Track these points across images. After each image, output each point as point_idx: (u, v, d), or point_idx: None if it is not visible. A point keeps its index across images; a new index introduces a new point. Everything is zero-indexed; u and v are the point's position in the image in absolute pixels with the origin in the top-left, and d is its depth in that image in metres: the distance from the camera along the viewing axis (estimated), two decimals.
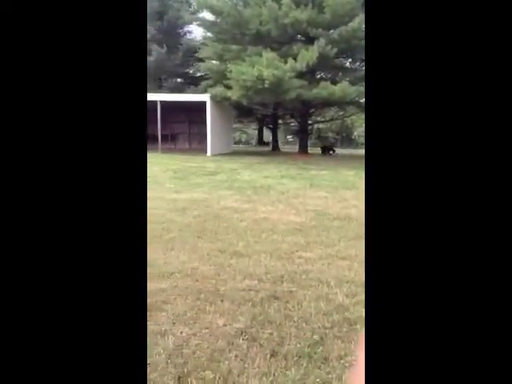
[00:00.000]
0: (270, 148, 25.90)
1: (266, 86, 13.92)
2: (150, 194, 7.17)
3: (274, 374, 1.95)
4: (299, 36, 17.28)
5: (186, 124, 22.08)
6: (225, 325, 2.41)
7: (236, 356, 2.09)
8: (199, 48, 19.33)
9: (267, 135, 32.97)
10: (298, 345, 2.20)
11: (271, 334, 2.32)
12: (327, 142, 28.66)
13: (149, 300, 2.72)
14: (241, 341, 2.24)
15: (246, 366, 2.01)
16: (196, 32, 35.50)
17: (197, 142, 21.45)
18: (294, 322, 2.47)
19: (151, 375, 1.91)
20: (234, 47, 16.89)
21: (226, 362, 2.02)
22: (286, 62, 14.38)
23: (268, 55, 14.28)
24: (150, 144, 19.64)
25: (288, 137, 40.00)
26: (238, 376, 1.93)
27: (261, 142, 31.80)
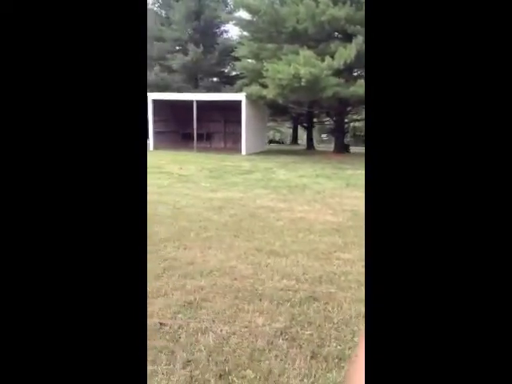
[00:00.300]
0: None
1: (302, 84, 13.82)
2: (187, 192, 7.29)
3: (314, 376, 1.94)
4: (336, 33, 17.07)
5: (221, 123, 22.26)
6: (264, 324, 2.42)
7: (276, 356, 2.09)
8: (235, 47, 19.43)
9: (301, 134, 32.78)
10: (339, 347, 2.18)
11: (311, 334, 2.30)
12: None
13: (189, 297, 2.76)
14: (280, 341, 2.24)
15: (287, 366, 2.00)
16: (232, 31, 35.80)
17: (232, 141, 21.56)
18: (334, 323, 2.44)
19: (193, 372, 1.94)
20: (270, 46, 16.87)
21: (267, 362, 2.03)
22: (323, 60, 14.24)
23: (305, 53, 14.18)
24: (186, 143, 19.97)
25: (322, 135, 39.63)
26: (279, 376, 1.93)
27: (295, 140, 31.64)
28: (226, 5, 24.82)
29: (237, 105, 17.31)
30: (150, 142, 18.72)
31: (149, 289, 2.90)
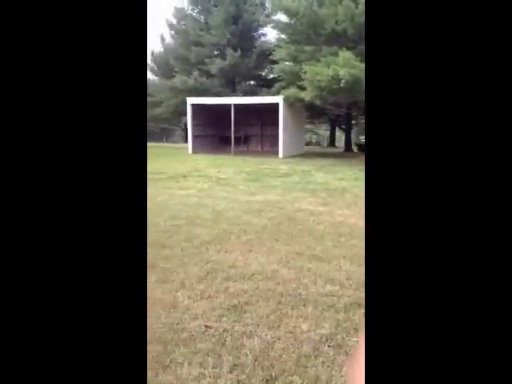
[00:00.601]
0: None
1: (341, 85, 13.66)
2: (226, 195, 7.35)
3: None
4: None
5: (258, 126, 22.30)
6: (309, 330, 2.39)
7: (323, 363, 2.06)
8: (273, 50, 19.47)
9: (338, 136, 32.39)
10: None
11: (357, 342, 2.26)
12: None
13: (232, 300, 2.78)
14: (326, 347, 2.20)
15: (334, 373, 1.97)
16: (270, 34, 35.78)
17: (269, 145, 21.56)
18: None
19: (240, 376, 1.94)
20: (309, 48, 16.78)
21: (313, 369, 2.00)
22: (362, 61, 14.02)
23: (344, 54, 14.01)
24: (223, 146, 20.17)
25: (360, 137, 39.00)
26: (326, 383, 1.90)
27: (332, 143, 31.26)
28: (264, 8, 24.90)
29: (274, 108, 17.32)
30: (189, 145, 19.05)
31: (193, 291, 2.94)
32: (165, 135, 41.25)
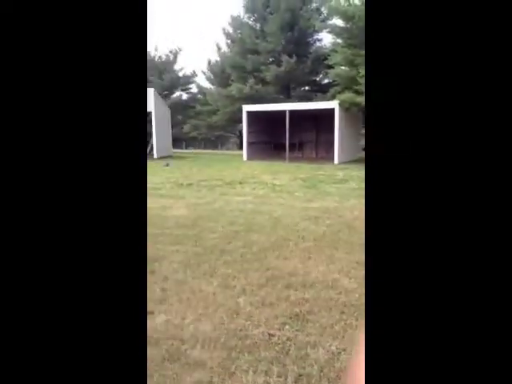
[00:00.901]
0: None
1: None
2: (282, 202, 7.36)
3: None
4: None
5: (313, 132, 22.14)
6: None
7: None
8: (328, 55, 19.31)
9: None
10: None
11: None
12: None
13: (294, 309, 2.76)
14: None
15: None
16: (326, 39, 35.41)
17: (324, 151, 21.30)
18: None
19: None
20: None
21: None
22: None
23: None
24: (278, 153, 20.22)
25: None
26: None
27: None
28: (320, 13, 24.77)
29: (329, 113, 17.14)
30: (244, 152, 19.30)
31: (254, 298, 2.95)
32: (219, 142, 42.09)
